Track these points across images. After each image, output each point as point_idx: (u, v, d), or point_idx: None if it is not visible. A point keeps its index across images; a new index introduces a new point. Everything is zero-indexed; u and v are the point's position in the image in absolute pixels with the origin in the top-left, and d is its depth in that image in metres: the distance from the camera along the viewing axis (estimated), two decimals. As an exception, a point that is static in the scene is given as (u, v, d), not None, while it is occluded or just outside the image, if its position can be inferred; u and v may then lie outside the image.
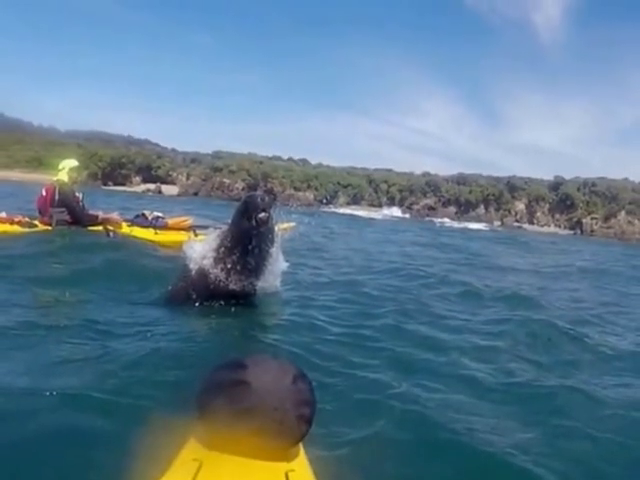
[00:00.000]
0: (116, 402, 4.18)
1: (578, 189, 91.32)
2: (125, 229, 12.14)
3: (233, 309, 7.30)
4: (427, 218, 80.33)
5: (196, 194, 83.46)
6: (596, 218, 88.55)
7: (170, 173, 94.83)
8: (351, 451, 3.84)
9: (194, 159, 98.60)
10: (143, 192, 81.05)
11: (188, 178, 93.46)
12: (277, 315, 7.80)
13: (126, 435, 3.55)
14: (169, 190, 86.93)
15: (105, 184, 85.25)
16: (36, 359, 5.02)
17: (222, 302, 7.41)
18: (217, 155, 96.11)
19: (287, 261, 8.17)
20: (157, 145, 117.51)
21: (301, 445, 2.32)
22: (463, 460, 4.07)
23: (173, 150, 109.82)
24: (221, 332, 6.78)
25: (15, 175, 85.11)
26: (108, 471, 3.20)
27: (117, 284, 8.28)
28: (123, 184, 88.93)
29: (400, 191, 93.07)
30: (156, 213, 12.94)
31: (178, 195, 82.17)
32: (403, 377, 5.58)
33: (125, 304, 7.41)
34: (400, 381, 5.44)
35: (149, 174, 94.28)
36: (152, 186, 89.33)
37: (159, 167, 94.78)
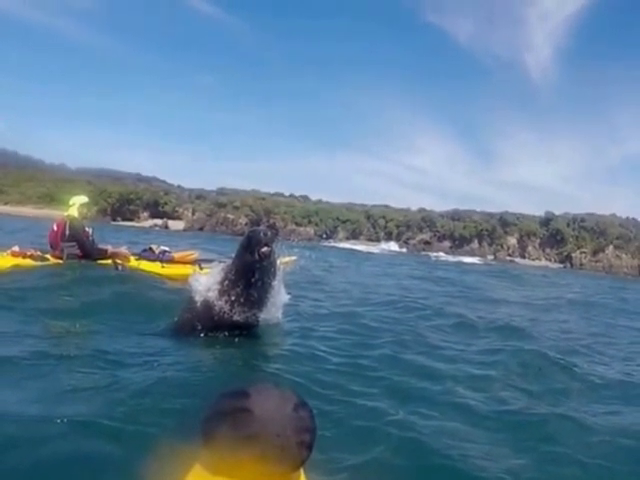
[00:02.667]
0: (124, 429, 4.19)
1: (568, 224, 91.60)
2: (133, 263, 12.14)
3: (237, 340, 7.31)
4: (423, 252, 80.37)
5: (201, 229, 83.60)
6: (585, 252, 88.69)
7: (176, 209, 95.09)
8: (350, 476, 3.83)
9: (199, 195, 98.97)
10: (150, 227, 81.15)
11: (194, 214, 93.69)
12: (279, 345, 7.80)
13: (134, 461, 3.55)
14: (175, 225, 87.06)
15: (114, 219, 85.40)
16: (47, 388, 5.02)
17: (226, 333, 7.42)
18: (221, 192, 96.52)
19: (289, 293, 8.18)
20: (164, 182, 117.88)
21: (302, 470, 2.34)
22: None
23: (179, 187, 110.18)
24: (225, 362, 6.78)
25: (27, 211, 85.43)
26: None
27: (125, 315, 8.28)
28: (131, 219, 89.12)
29: (397, 226, 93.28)
30: (163, 247, 12.95)
31: (184, 230, 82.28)
32: (400, 405, 5.58)
33: (133, 335, 7.42)
34: (397, 409, 5.44)
35: (156, 210, 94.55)
36: (159, 221, 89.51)
37: (166, 203, 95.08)
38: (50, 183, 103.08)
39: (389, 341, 8.45)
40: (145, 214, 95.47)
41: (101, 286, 9.70)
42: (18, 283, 9.63)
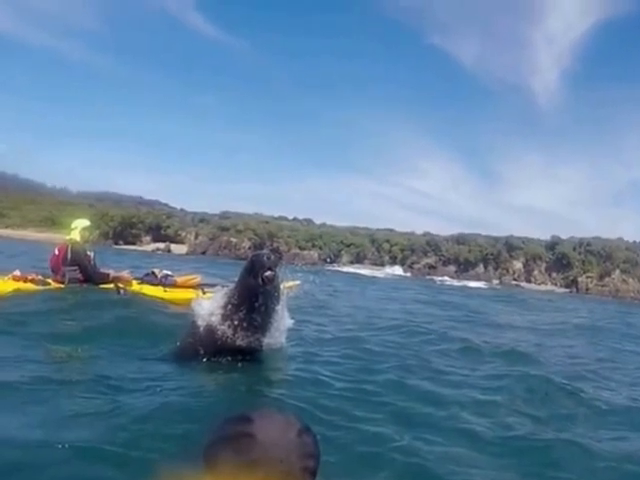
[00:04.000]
0: (126, 455, 4.20)
1: (574, 248, 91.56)
2: (135, 287, 12.11)
3: (240, 365, 7.29)
4: (428, 277, 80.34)
5: (204, 253, 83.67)
6: (591, 277, 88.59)
7: (179, 232, 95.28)
8: None
9: (202, 219, 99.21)
10: (153, 251, 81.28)
11: (196, 237, 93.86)
12: (282, 370, 7.80)
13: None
14: (178, 249, 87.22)
15: (116, 243, 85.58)
16: (49, 413, 5.03)
17: (229, 358, 7.40)
18: (224, 215, 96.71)
19: (292, 318, 8.18)
20: (166, 205, 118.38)
21: None
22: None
23: (182, 210, 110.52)
24: (228, 387, 6.78)
25: (29, 234, 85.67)
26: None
27: (127, 340, 8.27)
28: (133, 243, 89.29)
29: (402, 250, 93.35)
30: (165, 271, 12.96)
31: (186, 254, 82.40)
32: (405, 430, 5.59)
33: (135, 359, 7.41)
34: (402, 434, 5.44)
35: (159, 233, 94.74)
36: (161, 245, 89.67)
37: (168, 227, 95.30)
38: (51, 206, 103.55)
39: (394, 366, 8.44)
40: (147, 238, 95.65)
41: (103, 310, 9.70)
42: (19, 307, 9.65)
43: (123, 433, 4.67)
